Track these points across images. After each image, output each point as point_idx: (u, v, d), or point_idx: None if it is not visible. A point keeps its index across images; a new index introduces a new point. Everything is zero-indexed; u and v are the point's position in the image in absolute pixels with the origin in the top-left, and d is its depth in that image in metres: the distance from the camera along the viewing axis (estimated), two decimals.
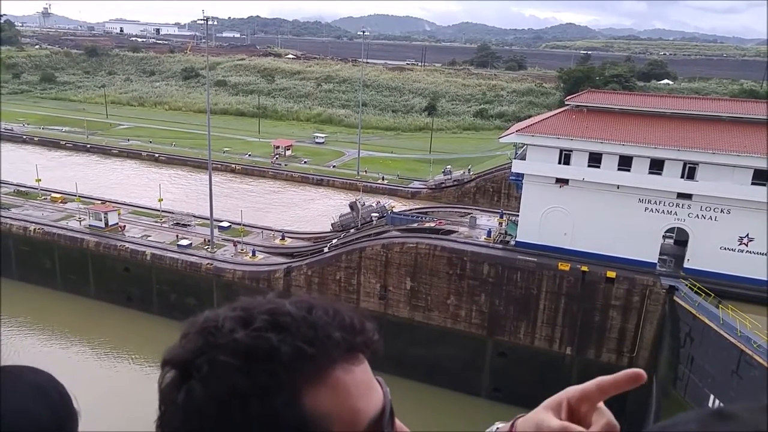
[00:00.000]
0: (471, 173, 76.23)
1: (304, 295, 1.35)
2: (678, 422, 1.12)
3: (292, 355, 1.18)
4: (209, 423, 1.16)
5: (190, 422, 1.18)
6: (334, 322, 1.27)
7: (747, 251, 36.91)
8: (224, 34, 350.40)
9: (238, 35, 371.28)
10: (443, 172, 78.40)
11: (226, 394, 1.15)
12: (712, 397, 31.95)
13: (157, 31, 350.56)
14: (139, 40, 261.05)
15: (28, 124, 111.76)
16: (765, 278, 36.23)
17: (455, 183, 75.57)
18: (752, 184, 36.14)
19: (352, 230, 53.64)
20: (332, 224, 56.97)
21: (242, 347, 1.18)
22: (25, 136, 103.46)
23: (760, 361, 29.10)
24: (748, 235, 36.82)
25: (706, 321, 33.13)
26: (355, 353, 1.27)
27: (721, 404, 31.31)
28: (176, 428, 1.21)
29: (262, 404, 1.14)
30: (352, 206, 55.92)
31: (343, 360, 1.23)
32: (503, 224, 46.74)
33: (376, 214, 56.49)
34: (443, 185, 76.05)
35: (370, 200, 64.56)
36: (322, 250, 48.27)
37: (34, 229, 54.14)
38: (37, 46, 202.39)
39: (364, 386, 1.26)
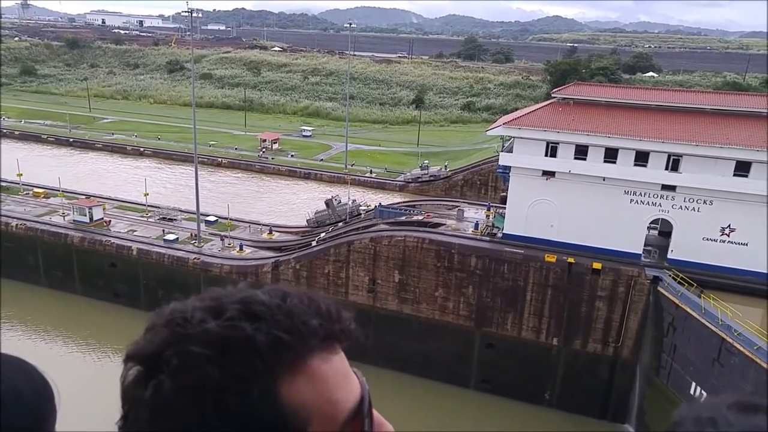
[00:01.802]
0: (447, 169, 76.79)
1: (276, 285, 1.30)
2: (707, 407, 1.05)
3: (268, 344, 1.12)
4: (180, 419, 1.08)
5: (159, 420, 1.10)
6: (310, 309, 1.23)
7: (729, 242, 37.55)
8: (209, 27, 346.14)
9: (223, 28, 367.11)
10: (420, 166, 78.95)
11: (198, 388, 1.08)
12: (693, 384, 32.59)
13: (141, 23, 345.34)
14: (122, 32, 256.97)
15: (8, 118, 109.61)
16: (746, 268, 36.90)
17: (431, 178, 75.93)
18: (734, 175, 36.69)
19: (341, 224, 53.60)
20: (307, 220, 56.99)
21: (214, 337, 1.12)
22: (5, 130, 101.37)
23: (741, 349, 29.70)
24: (729, 225, 37.44)
25: (689, 310, 33.70)
26: (333, 342, 1.22)
27: (703, 392, 31.81)
28: (143, 428, 1.12)
29: (237, 396, 1.08)
30: (328, 203, 56.03)
31: (320, 349, 1.19)
32: (490, 217, 47.04)
33: (364, 208, 56.50)
34: (420, 179, 76.42)
35: (356, 195, 64.64)
36: (310, 244, 48.18)
37: (17, 225, 53.23)
38: (16, 38, 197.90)
39: (342, 376, 1.22)
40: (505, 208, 46.15)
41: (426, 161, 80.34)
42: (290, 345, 1.14)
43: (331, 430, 1.16)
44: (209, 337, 1.12)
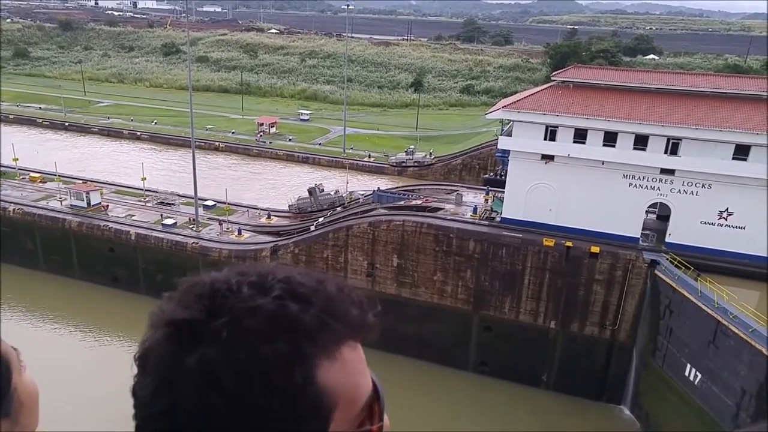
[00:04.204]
0: (432, 157, 76.53)
1: (303, 268, 1.32)
2: None
3: (313, 327, 1.15)
4: (225, 393, 1.08)
5: (204, 391, 1.08)
6: (348, 298, 1.27)
7: (726, 225, 37.62)
8: (205, 9, 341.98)
9: (219, 9, 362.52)
10: (405, 151, 78.52)
11: (248, 362, 1.09)
12: (689, 366, 32.92)
13: (135, 4, 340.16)
14: (116, 13, 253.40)
15: (2, 102, 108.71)
16: (744, 252, 37.02)
17: (416, 164, 75.57)
18: (733, 159, 36.60)
19: (339, 209, 53.58)
20: (289, 206, 57.00)
21: (266, 314, 1.13)
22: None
23: (736, 331, 29.96)
24: (728, 209, 37.47)
25: (685, 293, 33.90)
26: (363, 332, 1.26)
27: (698, 373, 32.15)
28: (179, 397, 1.09)
29: (282, 375, 1.10)
30: (311, 191, 56.10)
31: (351, 337, 1.23)
32: (489, 201, 47.00)
33: (362, 194, 56.43)
34: (404, 164, 76.11)
35: (354, 179, 64.58)
36: (309, 229, 48.20)
37: (14, 210, 53.15)
38: (8, 20, 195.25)
39: (363, 364, 1.27)
40: (487, 190, 46.12)
41: (411, 146, 79.66)
42: (333, 330, 1.18)
43: (353, 414, 1.21)
44: (261, 313, 1.13)
